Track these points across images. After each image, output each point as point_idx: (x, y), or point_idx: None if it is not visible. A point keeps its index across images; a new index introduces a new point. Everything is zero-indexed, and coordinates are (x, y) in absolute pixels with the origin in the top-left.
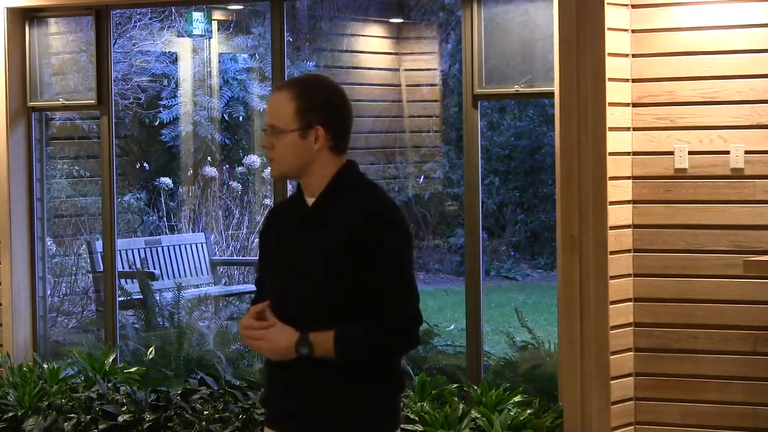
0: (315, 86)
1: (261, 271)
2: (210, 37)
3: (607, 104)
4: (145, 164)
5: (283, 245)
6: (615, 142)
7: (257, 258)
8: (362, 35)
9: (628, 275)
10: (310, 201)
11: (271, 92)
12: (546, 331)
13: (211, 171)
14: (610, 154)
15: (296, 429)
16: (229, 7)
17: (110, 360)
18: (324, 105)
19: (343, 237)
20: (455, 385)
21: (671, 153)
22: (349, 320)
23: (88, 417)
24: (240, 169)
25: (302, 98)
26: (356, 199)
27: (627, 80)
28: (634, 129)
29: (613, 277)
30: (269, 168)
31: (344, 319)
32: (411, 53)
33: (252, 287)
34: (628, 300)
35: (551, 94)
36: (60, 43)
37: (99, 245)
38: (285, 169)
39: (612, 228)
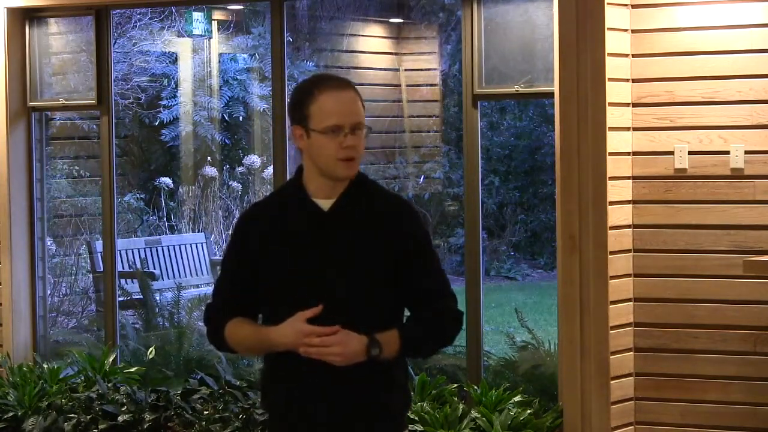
0: None
1: (244, 271)
2: (210, 37)
3: (607, 104)
4: (145, 164)
5: (304, 248)
6: (615, 142)
7: (234, 253)
8: (362, 35)
9: (628, 275)
10: (322, 202)
11: (341, 91)
12: (546, 331)
13: (211, 171)
14: (610, 154)
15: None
16: (229, 7)
17: (110, 360)
18: None
19: (370, 239)
20: (455, 385)
21: (671, 153)
22: (374, 321)
23: (88, 417)
24: (240, 169)
25: (360, 97)
26: (374, 200)
27: (627, 80)
28: (634, 129)
29: (613, 277)
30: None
31: (371, 320)
32: (411, 53)
33: None
34: (628, 300)
35: (551, 94)
36: (60, 43)
37: (99, 245)
38: (358, 169)
39: (612, 228)
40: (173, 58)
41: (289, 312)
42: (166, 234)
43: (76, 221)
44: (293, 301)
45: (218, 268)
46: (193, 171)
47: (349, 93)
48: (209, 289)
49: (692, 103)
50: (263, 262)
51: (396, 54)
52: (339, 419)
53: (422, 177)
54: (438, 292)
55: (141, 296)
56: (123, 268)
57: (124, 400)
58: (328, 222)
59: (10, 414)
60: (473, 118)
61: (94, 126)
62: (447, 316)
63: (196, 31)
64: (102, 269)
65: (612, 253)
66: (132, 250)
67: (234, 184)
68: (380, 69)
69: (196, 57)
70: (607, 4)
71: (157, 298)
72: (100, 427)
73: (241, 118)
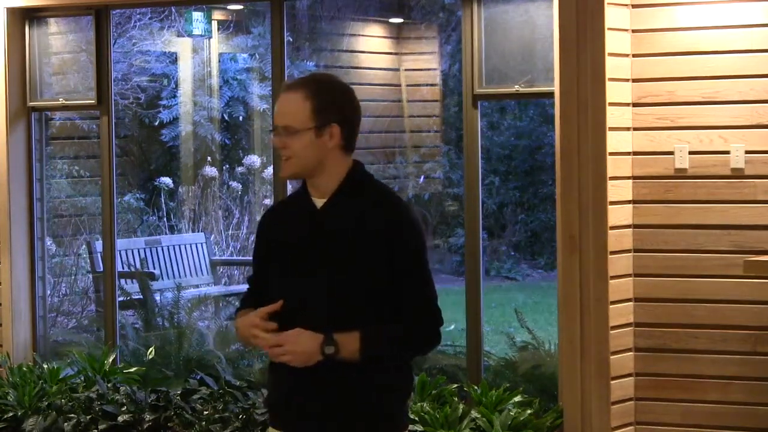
0: (328, 85)
1: (260, 273)
2: (210, 37)
3: (607, 104)
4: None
5: (299, 248)
6: (615, 142)
7: (253, 257)
8: (362, 35)
9: (628, 275)
10: (319, 202)
11: (286, 92)
12: (546, 331)
13: (211, 171)
14: (610, 154)
15: (317, 430)
16: (229, 7)
17: (110, 360)
18: (339, 103)
19: (364, 237)
20: (455, 385)
21: (671, 153)
22: (371, 319)
23: (88, 417)
24: (240, 169)
25: (318, 96)
26: (371, 198)
27: (627, 80)
28: (634, 129)
29: (613, 277)
30: (278, 168)
31: (367, 318)
32: (411, 53)
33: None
34: (628, 300)
35: (551, 94)
36: (60, 43)
37: (99, 245)
38: (299, 168)
39: (612, 228)
40: (173, 58)
41: (293, 311)
42: (166, 234)
43: (76, 221)
44: (295, 300)
45: (218, 268)
46: (193, 171)
47: (291, 94)
48: (209, 289)
49: (692, 103)
50: (271, 262)
51: (396, 54)
52: (339, 419)
53: (422, 177)
54: (414, 299)
55: (141, 296)
56: (123, 268)
57: (124, 401)
58: (322, 220)
59: (10, 414)
60: (473, 118)
61: (94, 126)
62: (417, 326)
63: (196, 31)
64: (102, 269)
65: (612, 253)
66: (132, 250)
67: (234, 184)
68: (380, 69)
69: (196, 57)
70: (607, 4)
71: (157, 298)
72: (100, 427)
73: (241, 118)
